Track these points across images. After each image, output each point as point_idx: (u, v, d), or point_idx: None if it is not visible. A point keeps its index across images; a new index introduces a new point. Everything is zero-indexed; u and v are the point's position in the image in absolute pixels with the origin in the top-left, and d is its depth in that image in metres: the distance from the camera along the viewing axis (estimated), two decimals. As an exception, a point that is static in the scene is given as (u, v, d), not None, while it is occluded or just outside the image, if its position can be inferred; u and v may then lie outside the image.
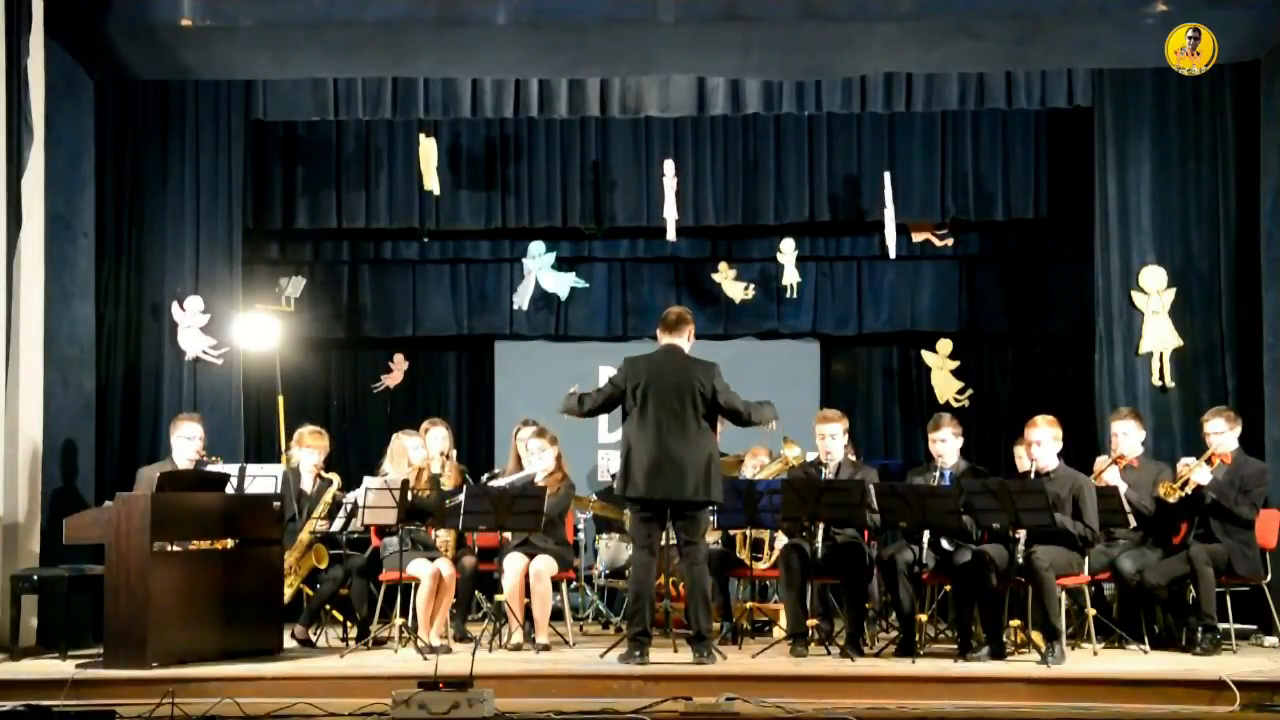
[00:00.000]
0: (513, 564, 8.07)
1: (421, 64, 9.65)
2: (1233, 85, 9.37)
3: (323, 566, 8.34)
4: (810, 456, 8.48)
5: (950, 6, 9.18)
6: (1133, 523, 7.96)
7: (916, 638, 7.70)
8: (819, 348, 11.23)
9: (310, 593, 8.39)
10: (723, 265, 10.92)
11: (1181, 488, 7.85)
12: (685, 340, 7.57)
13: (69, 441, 9.16)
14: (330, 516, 8.32)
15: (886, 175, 9.97)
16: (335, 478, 8.54)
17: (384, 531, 8.20)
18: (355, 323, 11.20)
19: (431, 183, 9.94)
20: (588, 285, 10.96)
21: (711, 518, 7.95)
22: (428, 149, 9.92)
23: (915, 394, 11.22)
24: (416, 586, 7.97)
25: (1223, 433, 8.01)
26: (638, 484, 7.35)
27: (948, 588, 7.97)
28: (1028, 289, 10.93)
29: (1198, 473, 7.87)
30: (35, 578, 8.22)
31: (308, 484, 8.52)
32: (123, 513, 7.31)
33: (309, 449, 8.60)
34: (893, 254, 10.11)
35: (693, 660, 7.22)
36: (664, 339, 7.58)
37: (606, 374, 11.12)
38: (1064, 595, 7.58)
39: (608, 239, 10.93)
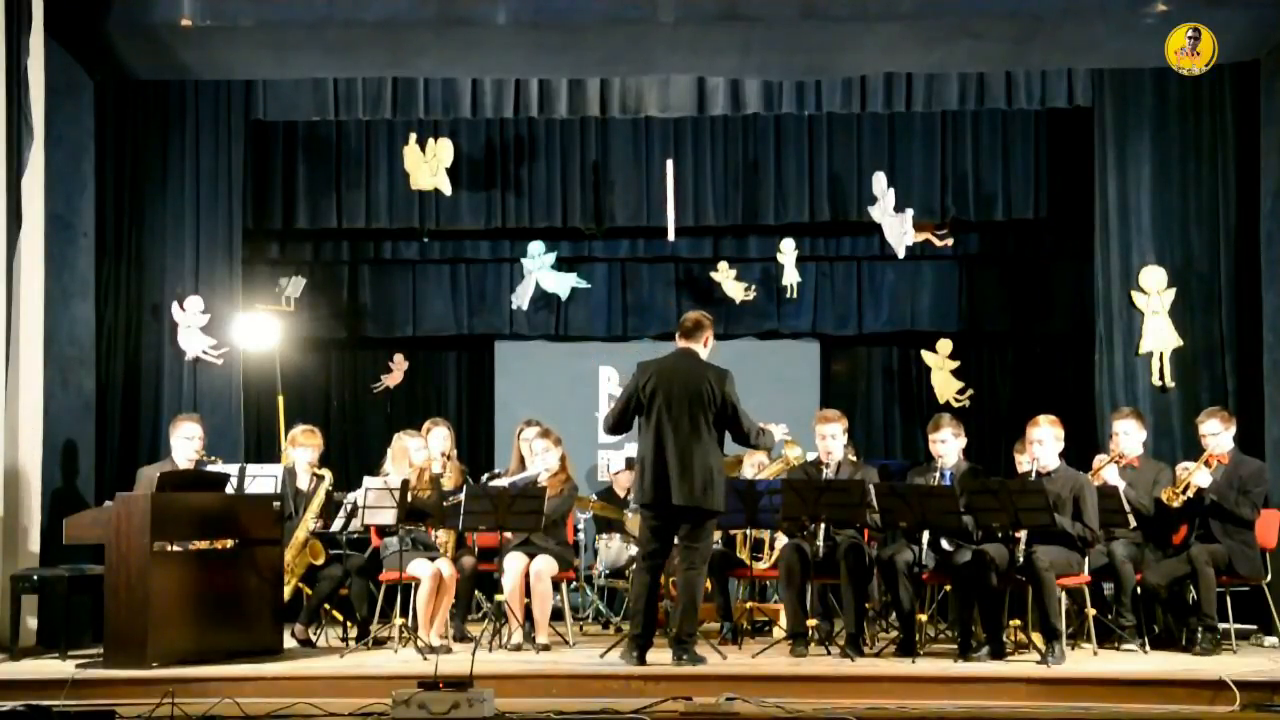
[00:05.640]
0: (513, 564, 8.07)
1: (421, 64, 9.64)
2: (1233, 85, 9.37)
3: (319, 562, 8.33)
4: (810, 456, 8.46)
5: (950, 6, 9.17)
6: (1133, 523, 7.95)
7: (916, 638, 7.69)
8: (819, 348, 11.24)
9: (309, 591, 8.39)
10: (723, 265, 10.91)
11: (1183, 492, 7.85)
12: (702, 346, 7.45)
13: (69, 441, 9.16)
14: (324, 513, 8.32)
15: (880, 175, 9.97)
16: (327, 473, 8.53)
17: (384, 531, 8.20)
18: (355, 323, 11.20)
19: (442, 183, 9.93)
20: (589, 285, 10.96)
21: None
22: (438, 150, 9.92)
23: (915, 394, 11.22)
24: (416, 586, 7.97)
25: (1218, 433, 8.00)
26: (645, 490, 7.30)
27: (948, 588, 7.97)
28: (1028, 289, 10.93)
29: (1197, 475, 7.86)
30: (35, 578, 8.21)
31: (303, 482, 8.52)
32: (123, 513, 7.31)
33: (303, 447, 8.61)
34: (901, 253, 10.09)
35: (671, 662, 7.14)
36: (680, 344, 7.47)
37: (606, 374, 11.23)
38: (1064, 595, 7.58)
39: (608, 239, 10.93)
